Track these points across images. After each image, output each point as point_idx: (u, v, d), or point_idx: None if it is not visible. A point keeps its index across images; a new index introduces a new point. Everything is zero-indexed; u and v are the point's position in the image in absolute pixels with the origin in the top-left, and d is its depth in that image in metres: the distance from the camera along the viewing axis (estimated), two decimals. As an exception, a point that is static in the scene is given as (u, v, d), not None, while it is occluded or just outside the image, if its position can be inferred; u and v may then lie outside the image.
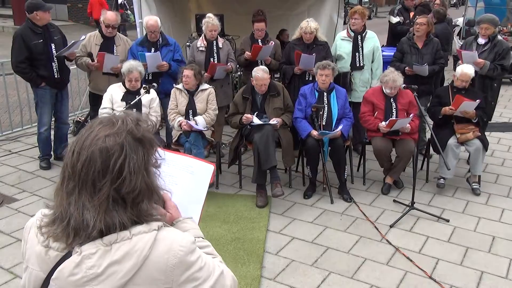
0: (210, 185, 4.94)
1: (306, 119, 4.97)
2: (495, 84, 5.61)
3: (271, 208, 4.69)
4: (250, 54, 5.59)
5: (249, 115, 4.91)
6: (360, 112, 5.11)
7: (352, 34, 5.62)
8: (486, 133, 5.48)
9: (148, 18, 5.50)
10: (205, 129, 5.01)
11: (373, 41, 5.69)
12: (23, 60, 5.14)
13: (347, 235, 4.22)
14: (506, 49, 5.44)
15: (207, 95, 5.12)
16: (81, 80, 7.65)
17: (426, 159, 5.42)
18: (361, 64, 5.63)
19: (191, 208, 1.57)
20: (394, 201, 4.85)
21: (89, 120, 6.35)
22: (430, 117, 5.23)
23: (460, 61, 5.49)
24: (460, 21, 12.10)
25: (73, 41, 5.31)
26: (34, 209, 4.41)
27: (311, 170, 4.95)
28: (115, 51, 5.52)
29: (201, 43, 5.62)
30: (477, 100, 4.86)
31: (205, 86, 5.17)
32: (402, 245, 4.04)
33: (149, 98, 4.94)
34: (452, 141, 4.93)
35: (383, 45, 7.18)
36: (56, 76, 5.32)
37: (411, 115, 4.86)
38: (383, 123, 4.86)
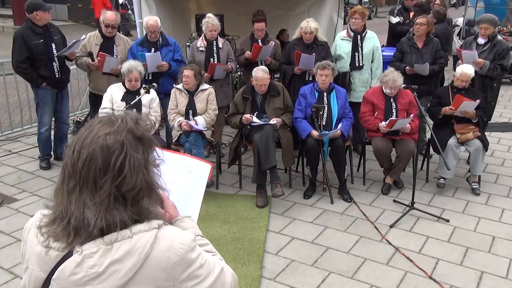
0: (209, 185, 4.90)
1: (306, 119, 4.97)
2: (495, 84, 5.62)
3: (271, 208, 4.69)
4: (250, 53, 5.59)
5: (248, 116, 4.91)
6: (360, 112, 5.11)
7: (352, 34, 5.62)
8: (486, 133, 5.48)
9: (148, 18, 5.50)
10: (205, 129, 5.01)
11: (373, 41, 5.68)
12: (24, 60, 5.14)
13: (347, 235, 4.23)
14: (506, 49, 5.44)
15: (207, 95, 5.13)
16: (81, 80, 7.65)
17: (426, 159, 5.42)
18: (361, 64, 5.63)
19: (189, 207, 1.58)
20: (394, 201, 4.85)
21: (89, 120, 6.34)
22: (430, 117, 5.23)
23: (460, 61, 5.49)
24: (460, 21, 12.11)
25: (74, 40, 5.31)
26: (34, 209, 4.41)
27: (311, 170, 4.95)
28: (115, 51, 5.52)
29: (201, 43, 5.62)
30: (477, 100, 4.86)
31: (205, 86, 5.17)
32: (402, 245, 4.04)
33: (149, 98, 4.94)
34: (452, 141, 4.93)
35: (383, 45, 7.18)
36: (57, 76, 5.32)
37: (411, 116, 4.86)
38: (383, 123, 4.87)
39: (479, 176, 5.08)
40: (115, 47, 5.53)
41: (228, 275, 1.32)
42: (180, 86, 5.11)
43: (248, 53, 5.63)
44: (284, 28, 7.44)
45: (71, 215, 1.17)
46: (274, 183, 4.68)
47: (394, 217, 4.48)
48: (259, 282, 3.52)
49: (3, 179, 5.28)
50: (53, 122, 5.70)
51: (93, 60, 5.43)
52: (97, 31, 5.59)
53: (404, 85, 4.81)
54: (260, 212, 4.60)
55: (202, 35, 5.66)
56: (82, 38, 5.48)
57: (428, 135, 5.51)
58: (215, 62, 5.52)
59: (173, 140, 5.11)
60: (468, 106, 4.83)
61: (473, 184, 5.05)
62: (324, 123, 4.92)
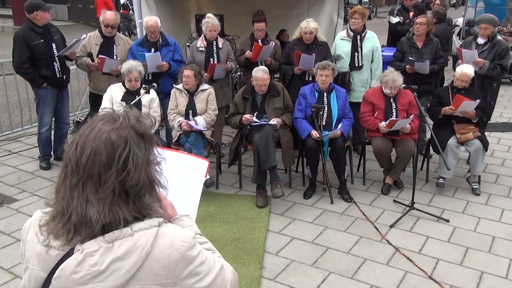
0: (209, 185, 4.91)
1: (306, 119, 4.97)
2: (495, 84, 5.62)
3: (271, 208, 4.69)
4: (251, 53, 5.59)
5: (248, 116, 4.91)
6: (360, 112, 5.11)
7: (352, 34, 5.62)
8: (486, 133, 5.48)
9: (148, 18, 5.50)
10: (205, 129, 5.01)
11: (373, 41, 5.68)
12: (25, 61, 5.14)
13: (347, 235, 4.23)
14: (506, 49, 5.44)
15: (207, 95, 5.13)
16: (81, 80, 7.65)
17: (426, 159, 5.42)
18: (360, 64, 5.62)
19: (187, 204, 1.59)
20: (394, 201, 4.85)
21: (88, 121, 6.34)
22: (430, 117, 5.23)
23: (460, 61, 5.49)
24: (460, 21, 12.10)
25: (74, 40, 5.31)
26: (34, 209, 4.35)
27: (311, 170, 4.95)
28: (115, 51, 5.52)
29: (201, 43, 5.62)
30: (477, 100, 4.86)
31: (205, 86, 5.17)
32: (402, 245, 4.04)
33: (149, 98, 4.94)
34: (452, 141, 4.93)
35: (383, 45, 7.18)
36: (58, 76, 5.33)
37: (411, 116, 4.86)
38: (383, 123, 4.87)
39: (479, 176, 5.08)
40: (115, 47, 5.53)
41: (228, 272, 1.33)
42: (180, 86, 5.11)
43: (248, 53, 5.62)
44: (284, 28, 7.44)
45: (72, 211, 1.18)
46: (274, 183, 4.68)
47: (394, 217, 4.48)
48: (259, 282, 3.52)
49: (3, 179, 5.28)
50: (53, 122, 5.70)
51: (92, 60, 5.43)
52: (97, 31, 5.59)
53: (404, 85, 4.81)
54: (260, 212, 4.60)
55: (202, 35, 5.66)
56: (82, 37, 5.48)
57: (428, 135, 5.51)
58: (215, 62, 5.52)
59: (173, 140, 5.11)
60: (468, 106, 4.83)
61: (473, 184, 5.05)
62: (324, 123, 4.92)
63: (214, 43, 5.56)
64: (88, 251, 1.16)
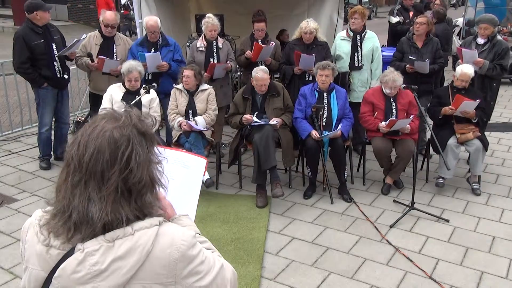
0: (209, 185, 4.89)
1: (306, 119, 4.97)
2: (494, 84, 5.62)
3: (271, 208, 4.69)
4: (251, 53, 5.59)
5: (248, 116, 4.91)
6: (360, 112, 5.11)
7: (352, 34, 5.62)
8: (486, 133, 5.48)
9: (148, 19, 5.50)
10: (205, 129, 5.01)
11: (373, 41, 5.68)
12: (25, 61, 5.15)
13: (347, 235, 4.22)
14: (505, 49, 5.44)
15: (207, 95, 5.13)
16: (81, 80, 7.65)
17: (426, 159, 5.42)
18: (360, 64, 5.62)
19: (186, 203, 1.59)
20: (394, 201, 4.85)
21: (89, 120, 6.35)
22: (430, 117, 5.23)
23: (460, 60, 5.48)
24: (460, 21, 12.10)
25: (75, 40, 5.32)
26: (34, 209, 4.34)
27: (311, 170, 4.95)
28: (115, 50, 5.52)
29: (201, 43, 5.62)
30: (477, 100, 4.86)
31: (205, 86, 5.17)
32: (402, 245, 4.04)
33: (149, 98, 4.94)
34: (452, 141, 4.93)
35: (383, 46, 7.18)
36: (58, 76, 5.33)
37: (411, 116, 4.86)
38: (383, 123, 4.87)
39: (479, 176, 5.08)
40: (115, 47, 5.53)
41: (228, 271, 1.34)
42: (180, 86, 5.11)
43: (249, 52, 5.62)
44: (284, 28, 7.44)
45: (73, 209, 1.18)
46: (274, 183, 4.68)
47: (394, 217, 4.48)
48: (259, 282, 3.52)
49: (3, 179, 5.28)
50: (53, 122, 5.70)
51: (92, 61, 5.43)
52: (97, 31, 5.59)
53: (404, 85, 4.81)
54: (260, 212, 4.60)
55: (202, 35, 5.66)
56: (82, 38, 5.48)
57: (428, 135, 5.51)
58: (215, 62, 5.52)
59: (173, 140, 5.11)
60: (468, 106, 4.83)
61: (473, 184, 5.04)
62: (324, 123, 4.92)
63: (214, 43, 5.56)
64: (89, 250, 1.16)
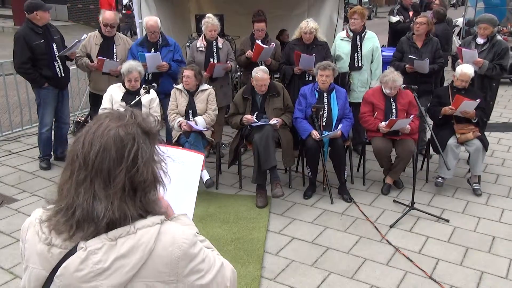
0: (209, 185, 4.88)
1: (306, 119, 4.97)
2: (494, 84, 5.62)
3: (271, 208, 4.69)
4: (251, 52, 5.58)
5: (249, 117, 4.91)
6: (360, 113, 5.11)
7: (351, 34, 5.62)
8: (486, 133, 5.48)
9: (148, 19, 5.50)
10: (205, 129, 5.01)
11: (373, 42, 5.68)
12: (26, 61, 5.15)
13: (347, 235, 4.23)
14: (505, 49, 5.44)
15: (207, 95, 5.13)
16: (81, 80, 7.65)
17: (426, 159, 5.42)
18: (360, 65, 5.62)
19: (184, 200, 1.59)
20: (394, 201, 4.85)
21: (89, 120, 6.35)
22: (430, 117, 5.23)
23: (459, 60, 5.48)
24: (460, 21, 12.10)
25: (76, 40, 5.32)
26: (34, 210, 4.38)
27: (311, 170, 4.95)
28: (114, 50, 5.52)
29: (200, 43, 5.62)
30: (477, 100, 4.86)
31: (205, 86, 5.17)
32: (402, 245, 4.04)
33: (149, 99, 4.94)
34: (452, 141, 4.93)
35: (383, 46, 7.18)
36: (59, 75, 5.33)
37: (411, 116, 4.86)
38: (383, 123, 4.87)
39: (479, 176, 5.08)
40: (115, 47, 5.54)
41: (228, 270, 1.34)
42: (180, 86, 5.11)
43: (249, 52, 5.62)
44: (284, 29, 7.45)
45: (77, 207, 1.18)
46: (274, 183, 4.68)
47: (394, 217, 4.48)
48: (259, 282, 3.52)
49: (3, 179, 5.28)
50: (52, 122, 5.70)
51: (91, 61, 5.43)
52: (97, 31, 5.60)
53: (404, 85, 4.81)
54: (260, 212, 4.60)
55: (202, 35, 5.66)
56: (83, 38, 5.49)
57: (428, 135, 5.51)
58: (215, 62, 5.52)
59: (173, 141, 5.11)
60: (468, 106, 4.83)
61: (474, 185, 5.04)
62: (324, 124, 4.92)
63: (214, 43, 5.56)
64: (92, 249, 1.16)
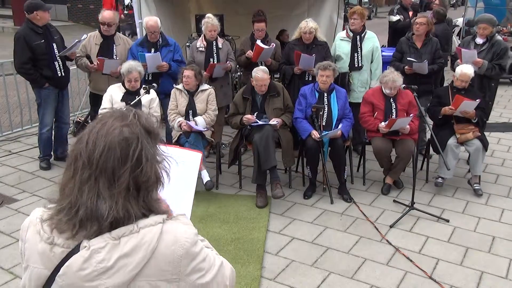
0: (210, 187, 4.87)
1: (306, 120, 4.97)
2: (493, 84, 5.62)
3: (271, 208, 4.69)
4: (252, 52, 5.58)
5: (250, 117, 4.91)
6: (360, 113, 5.11)
7: (351, 34, 5.62)
8: (486, 133, 5.48)
9: (148, 19, 5.50)
10: (205, 129, 5.01)
11: (372, 42, 5.68)
12: (26, 61, 5.15)
13: (347, 235, 4.23)
14: (504, 49, 5.44)
15: (207, 95, 5.13)
16: (81, 80, 7.65)
17: (426, 159, 5.42)
18: (360, 65, 5.62)
19: (182, 199, 1.60)
20: (394, 201, 4.85)
21: (89, 120, 6.36)
22: (430, 117, 5.23)
23: (459, 60, 5.48)
24: (459, 21, 12.10)
25: (76, 40, 5.32)
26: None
27: (311, 170, 4.96)
28: (114, 50, 5.52)
29: (200, 43, 5.62)
30: (477, 100, 4.86)
31: (205, 86, 5.17)
32: (402, 245, 4.04)
33: (149, 99, 4.95)
34: (452, 141, 4.93)
35: (383, 46, 7.18)
36: (59, 75, 5.33)
37: (411, 115, 4.86)
38: (383, 123, 4.87)
39: (479, 176, 5.08)
40: (114, 47, 5.54)
41: (227, 268, 1.36)
42: (180, 86, 5.11)
43: (250, 52, 5.62)
44: (284, 29, 7.45)
45: (80, 206, 1.18)
46: (274, 183, 4.68)
47: (394, 217, 4.48)
48: (259, 282, 3.52)
49: (3, 179, 5.28)
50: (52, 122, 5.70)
51: (91, 62, 5.43)
52: (97, 31, 5.60)
53: (404, 85, 4.81)
54: (260, 212, 4.60)
55: (202, 35, 5.66)
56: (83, 38, 5.49)
57: (428, 135, 5.51)
58: (215, 62, 5.52)
59: (173, 141, 5.11)
60: (468, 106, 4.83)
61: (475, 185, 5.03)
62: (324, 124, 4.92)
63: (214, 43, 5.56)
64: (95, 248, 1.17)
